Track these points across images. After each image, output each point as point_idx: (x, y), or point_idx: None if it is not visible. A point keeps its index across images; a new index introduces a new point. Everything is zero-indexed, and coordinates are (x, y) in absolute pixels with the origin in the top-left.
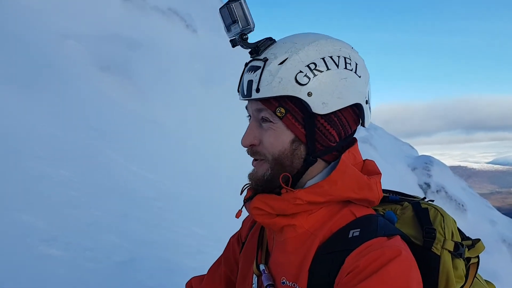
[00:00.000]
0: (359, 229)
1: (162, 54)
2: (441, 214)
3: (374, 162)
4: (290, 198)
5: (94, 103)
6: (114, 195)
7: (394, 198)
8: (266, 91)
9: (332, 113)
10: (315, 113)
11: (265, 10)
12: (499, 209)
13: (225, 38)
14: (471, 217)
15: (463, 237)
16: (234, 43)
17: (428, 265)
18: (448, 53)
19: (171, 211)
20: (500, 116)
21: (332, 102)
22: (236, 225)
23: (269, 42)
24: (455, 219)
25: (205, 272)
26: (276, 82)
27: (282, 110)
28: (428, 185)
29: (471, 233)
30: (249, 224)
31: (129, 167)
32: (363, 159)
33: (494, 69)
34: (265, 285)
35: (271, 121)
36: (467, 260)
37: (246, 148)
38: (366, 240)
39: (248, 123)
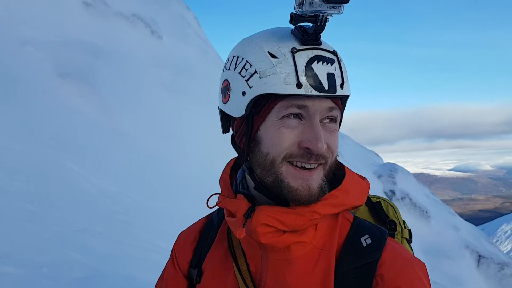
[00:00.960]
0: (367, 235)
1: (126, 61)
2: (391, 205)
3: None
4: (307, 213)
5: (53, 111)
6: (73, 209)
7: None
8: (347, 89)
9: None
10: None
11: (237, 17)
12: (461, 215)
13: (191, 45)
14: (435, 224)
15: None
16: (298, 20)
17: None
18: (409, 64)
19: (134, 225)
20: (460, 124)
21: None
22: None
23: None
24: (420, 226)
25: None
26: (348, 80)
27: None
28: (393, 192)
29: (436, 239)
30: (189, 248)
31: (90, 179)
32: None
33: (453, 78)
34: None
35: (335, 122)
36: None
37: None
38: (383, 247)
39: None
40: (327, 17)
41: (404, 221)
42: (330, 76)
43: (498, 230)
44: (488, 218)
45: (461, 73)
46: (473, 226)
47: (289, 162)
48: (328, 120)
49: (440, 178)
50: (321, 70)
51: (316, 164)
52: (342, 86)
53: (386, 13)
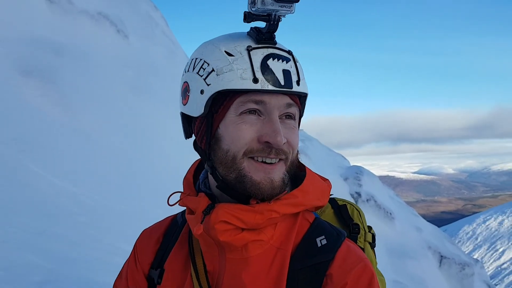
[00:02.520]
0: (323, 236)
1: (90, 59)
2: (356, 209)
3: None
4: (265, 211)
5: (13, 110)
6: (31, 210)
7: None
8: (303, 86)
9: None
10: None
11: (207, 18)
12: (424, 216)
13: (158, 45)
14: (399, 225)
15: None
16: (252, 18)
17: None
18: (375, 70)
19: (95, 227)
20: (424, 129)
21: None
22: None
23: None
24: (384, 227)
25: None
26: (305, 79)
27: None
28: (359, 194)
29: (399, 240)
30: (152, 249)
31: (50, 179)
32: None
33: (417, 85)
34: None
35: (294, 119)
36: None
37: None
38: (338, 248)
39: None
40: (280, 16)
41: (370, 227)
42: (286, 73)
43: (460, 231)
44: (450, 219)
45: (424, 80)
46: (436, 227)
47: (250, 157)
48: (286, 117)
49: (404, 180)
50: (276, 66)
51: (277, 159)
52: (298, 83)
53: (350, 18)
